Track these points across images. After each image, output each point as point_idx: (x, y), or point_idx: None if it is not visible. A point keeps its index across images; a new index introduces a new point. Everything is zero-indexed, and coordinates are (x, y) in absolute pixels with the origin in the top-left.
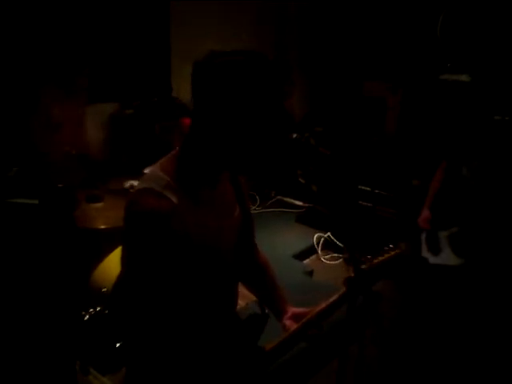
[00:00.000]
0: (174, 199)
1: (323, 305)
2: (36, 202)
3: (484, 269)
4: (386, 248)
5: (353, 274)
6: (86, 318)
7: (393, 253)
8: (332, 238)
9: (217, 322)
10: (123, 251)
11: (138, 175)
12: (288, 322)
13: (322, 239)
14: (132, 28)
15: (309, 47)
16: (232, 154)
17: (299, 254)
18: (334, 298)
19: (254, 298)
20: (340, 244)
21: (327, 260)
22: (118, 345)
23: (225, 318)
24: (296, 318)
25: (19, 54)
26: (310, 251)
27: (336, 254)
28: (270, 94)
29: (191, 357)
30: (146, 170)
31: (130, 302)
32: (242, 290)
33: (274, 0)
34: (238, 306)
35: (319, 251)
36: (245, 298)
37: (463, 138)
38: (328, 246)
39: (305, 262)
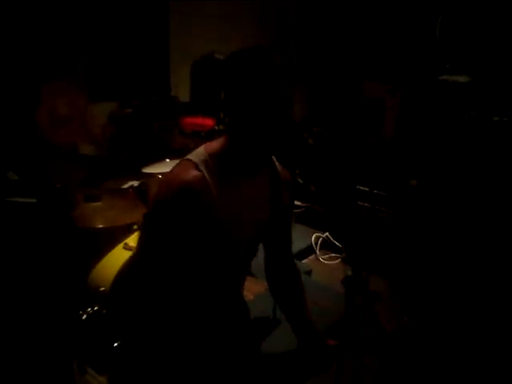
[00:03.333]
0: (207, 174)
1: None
2: (34, 200)
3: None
4: None
5: (351, 274)
6: (83, 318)
7: None
8: (330, 237)
9: (217, 309)
10: (145, 220)
11: (136, 175)
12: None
13: (321, 239)
14: (131, 27)
15: (308, 47)
16: (253, 137)
17: (298, 254)
18: None
19: (261, 291)
20: (338, 244)
21: (325, 260)
22: (115, 344)
23: (225, 307)
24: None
25: (19, 50)
26: (308, 251)
27: (334, 254)
28: (278, 80)
29: (189, 343)
30: (146, 170)
31: (140, 277)
32: (250, 284)
33: (273, 1)
34: (246, 299)
35: (317, 251)
36: (251, 292)
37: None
38: (326, 245)
39: (303, 261)
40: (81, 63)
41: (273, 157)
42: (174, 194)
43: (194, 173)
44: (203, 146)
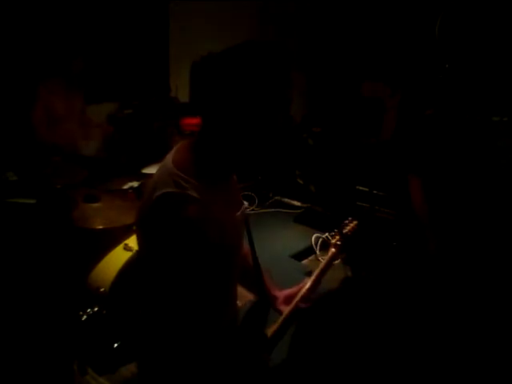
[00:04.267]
0: (199, 196)
1: (310, 280)
2: (33, 201)
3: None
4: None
5: (350, 275)
6: (83, 319)
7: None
8: (330, 238)
9: (228, 314)
10: (168, 260)
11: (136, 175)
12: (282, 307)
13: (320, 239)
14: (131, 28)
15: (308, 48)
16: (245, 148)
17: (297, 255)
18: (319, 269)
19: (250, 298)
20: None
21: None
22: (115, 345)
23: (233, 312)
24: (288, 300)
25: (16, 50)
26: (308, 251)
27: None
28: (279, 81)
29: (207, 351)
30: (146, 170)
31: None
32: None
33: (273, 1)
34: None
35: (317, 251)
36: (242, 298)
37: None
38: (326, 246)
39: (303, 262)
40: (78, 63)
41: None
42: (197, 233)
43: (192, 206)
44: (171, 166)
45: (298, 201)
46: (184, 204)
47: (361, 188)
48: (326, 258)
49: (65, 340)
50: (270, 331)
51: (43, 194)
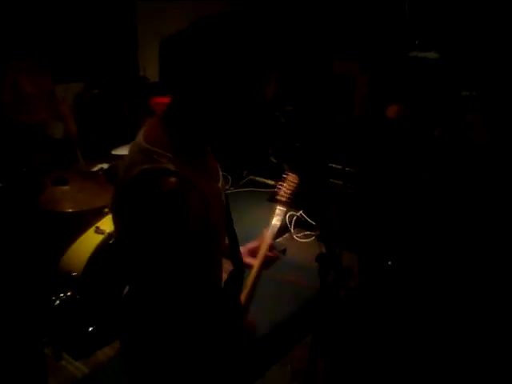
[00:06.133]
0: (179, 168)
1: (270, 231)
2: (1, 185)
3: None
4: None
5: (325, 251)
6: (56, 303)
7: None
8: (304, 216)
9: (214, 290)
10: (154, 239)
11: (106, 157)
12: (248, 260)
13: (295, 218)
14: (98, 6)
15: (278, 26)
16: (217, 120)
17: None
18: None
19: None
20: (312, 222)
21: (300, 238)
22: (90, 329)
23: (218, 284)
24: (253, 253)
25: None
26: (282, 230)
27: (308, 232)
28: (250, 53)
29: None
30: (116, 152)
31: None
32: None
33: None
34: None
35: (292, 229)
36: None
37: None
38: (300, 224)
39: (278, 240)
40: (45, 42)
41: None
42: (174, 209)
43: (172, 179)
44: (144, 144)
45: (272, 180)
46: (163, 178)
47: (334, 166)
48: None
49: (36, 325)
50: (243, 294)
51: (11, 178)
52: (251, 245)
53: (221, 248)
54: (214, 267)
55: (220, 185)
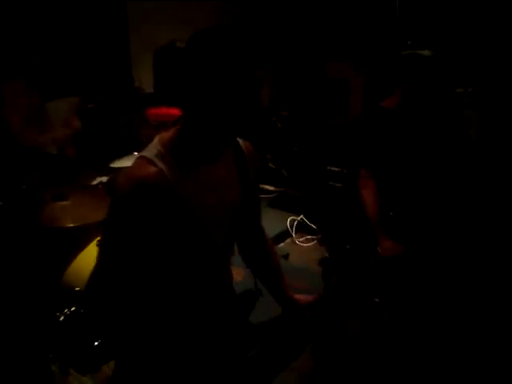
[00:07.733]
0: (164, 168)
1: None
2: (0, 203)
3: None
4: None
5: (327, 255)
6: (61, 319)
7: None
8: (305, 220)
9: (206, 301)
10: (106, 224)
11: (105, 170)
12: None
13: (296, 222)
14: (87, 21)
15: (270, 30)
16: (223, 120)
17: (274, 238)
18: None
19: (238, 279)
20: (313, 226)
21: (302, 242)
22: (96, 343)
23: (215, 297)
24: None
25: None
26: (284, 235)
27: (310, 236)
28: (239, 64)
29: (182, 337)
30: (114, 165)
31: (113, 281)
32: (238, 268)
33: None
34: (234, 281)
35: (293, 234)
36: (239, 275)
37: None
38: (302, 228)
39: (280, 245)
40: (34, 62)
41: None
42: (130, 194)
43: (150, 169)
44: (156, 138)
45: (272, 185)
46: (144, 167)
47: (332, 168)
48: None
49: (42, 342)
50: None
51: (10, 196)
52: (303, 297)
53: (216, 254)
54: (198, 268)
55: (228, 199)
